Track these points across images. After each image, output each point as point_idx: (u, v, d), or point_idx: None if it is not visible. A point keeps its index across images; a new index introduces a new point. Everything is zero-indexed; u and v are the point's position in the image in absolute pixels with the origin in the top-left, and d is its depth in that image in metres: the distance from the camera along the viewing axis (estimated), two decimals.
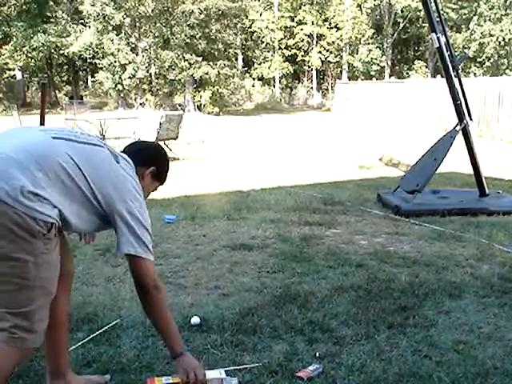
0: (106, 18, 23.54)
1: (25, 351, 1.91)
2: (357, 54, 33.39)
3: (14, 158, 1.80)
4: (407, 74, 33.40)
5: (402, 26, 33.41)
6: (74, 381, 2.25)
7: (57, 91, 32.27)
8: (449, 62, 5.82)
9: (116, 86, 24.87)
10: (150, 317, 2.17)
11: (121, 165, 2.08)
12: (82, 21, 24.61)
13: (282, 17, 33.32)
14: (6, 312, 1.82)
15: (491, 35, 28.46)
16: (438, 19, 5.80)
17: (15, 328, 1.82)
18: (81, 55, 25.31)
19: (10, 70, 29.51)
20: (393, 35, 33.84)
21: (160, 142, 9.85)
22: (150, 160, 2.29)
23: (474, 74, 26.50)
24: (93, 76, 31.28)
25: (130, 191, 2.04)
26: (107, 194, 1.97)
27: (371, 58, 32.64)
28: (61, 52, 25.54)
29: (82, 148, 1.99)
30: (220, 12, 24.30)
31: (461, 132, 5.92)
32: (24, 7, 26.51)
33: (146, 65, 25.36)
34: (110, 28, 23.85)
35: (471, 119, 5.99)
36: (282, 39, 33.27)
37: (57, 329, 2.14)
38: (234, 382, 2.25)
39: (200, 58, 24.12)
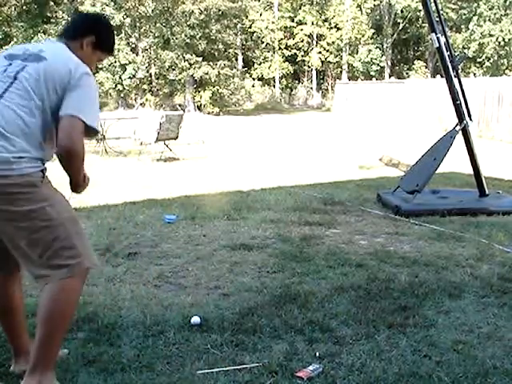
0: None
1: (82, 274, 2.17)
2: (357, 54, 33.40)
3: None
4: (407, 74, 33.41)
5: (401, 26, 33.41)
6: None
7: None
8: (448, 62, 5.83)
9: (116, 86, 24.85)
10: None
11: (49, 57, 2.13)
12: None
13: (282, 17, 33.33)
14: (53, 250, 2.08)
15: (491, 35, 28.46)
16: (437, 19, 5.80)
17: (67, 259, 2.09)
18: None
19: None
20: (393, 35, 33.85)
21: (160, 142, 9.88)
22: (87, 30, 2.29)
23: (474, 74, 26.48)
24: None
25: (66, 72, 2.10)
26: (53, 93, 2.09)
27: (371, 58, 32.66)
28: None
29: (17, 86, 2.09)
30: (220, 12, 24.30)
31: (461, 132, 5.92)
32: (24, 7, 26.50)
33: (146, 65, 25.35)
34: None
35: (471, 119, 6.00)
36: (281, 39, 33.28)
37: (13, 313, 2.34)
38: None
39: (200, 58, 24.11)
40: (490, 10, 28.82)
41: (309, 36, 33.06)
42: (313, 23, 32.55)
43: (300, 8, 33.54)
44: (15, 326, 2.36)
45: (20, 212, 2.03)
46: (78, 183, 2.23)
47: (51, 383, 2.13)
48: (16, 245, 2.09)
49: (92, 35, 2.28)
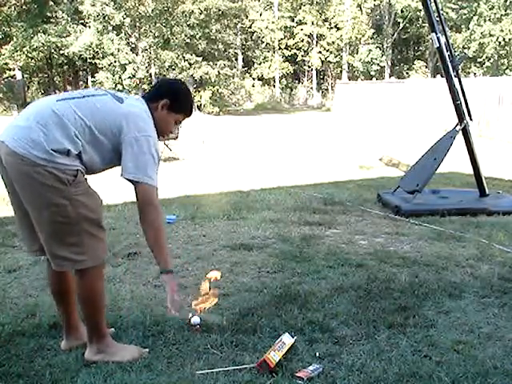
0: (106, 18, 23.50)
1: (95, 268, 2.38)
2: (357, 53, 33.42)
3: (33, 126, 2.22)
4: (407, 73, 33.42)
5: (402, 26, 33.42)
6: (85, 331, 2.58)
7: (57, 91, 32.27)
8: (449, 62, 5.82)
9: (116, 86, 24.81)
10: (145, 234, 2.45)
11: (125, 103, 2.41)
12: (82, 21, 24.56)
13: (282, 17, 33.33)
14: (63, 242, 2.28)
15: (491, 35, 28.47)
16: (437, 19, 5.80)
17: (71, 253, 2.29)
18: (81, 55, 25.26)
19: (10, 69, 29.48)
20: (393, 35, 33.86)
21: (160, 142, 9.87)
22: (160, 94, 2.53)
23: (474, 74, 26.48)
24: (93, 76, 31.27)
25: (137, 125, 2.35)
26: (112, 133, 2.31)
27: (371, 58, 32.67)
28: (61, 52, 25.49)
29: (85, 101, 2.36)
30: (220, 12, 24.29)
31: (461, 132, 5.92)
32: (24, 7, 26.51)
33: (146, 65, 25.32)
34: (110, 28, 23.81)
35: (471, 119, 5.99)
36: (281, 39, 33.28)
37: (68, 295, 2.56)
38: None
39: (200, 58, 24.09)
40: (490, 9, 28.82)
41: (309, 36, 33.07)
42: (313, 23, 32.56)
43: (300, 8, 33.55)
44: (69, 306, 2.60)
45: (43, 201, 2.22)
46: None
47: (109, 346, 2.47)
48: (37, 228, 2.30)
49: (166, 99, 2.51)
